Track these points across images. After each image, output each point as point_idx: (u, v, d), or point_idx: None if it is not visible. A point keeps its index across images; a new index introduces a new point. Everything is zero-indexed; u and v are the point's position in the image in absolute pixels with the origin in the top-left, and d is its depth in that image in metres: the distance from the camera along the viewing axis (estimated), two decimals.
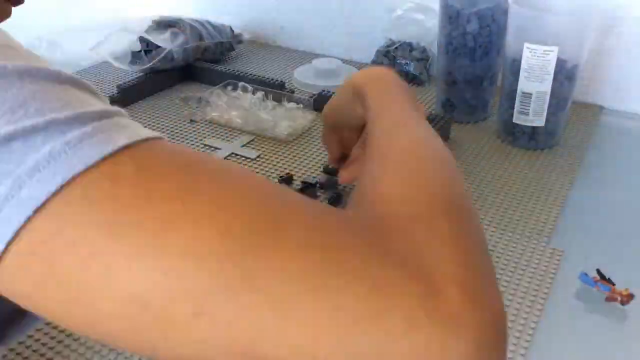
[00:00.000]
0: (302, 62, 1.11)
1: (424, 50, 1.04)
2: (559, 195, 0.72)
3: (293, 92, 0.96)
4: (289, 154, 0.81)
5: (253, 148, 0.83)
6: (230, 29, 1.14)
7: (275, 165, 0.78)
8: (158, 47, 1.01)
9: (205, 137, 0.85)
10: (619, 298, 0.55)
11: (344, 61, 1.07)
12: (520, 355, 0.50)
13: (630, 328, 0.54)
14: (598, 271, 0.57)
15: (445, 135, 0.84)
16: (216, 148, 0.83)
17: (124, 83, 0.97)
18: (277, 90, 0.93)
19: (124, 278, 0.25)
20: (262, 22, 1.24)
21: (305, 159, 0.79)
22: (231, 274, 0.25)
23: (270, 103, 0.91)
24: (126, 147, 0.26)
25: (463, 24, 0.83)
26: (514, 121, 0.82)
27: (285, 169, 0.77)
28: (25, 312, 0.36)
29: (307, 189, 0.71)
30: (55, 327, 0.52)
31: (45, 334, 0.52)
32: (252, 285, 0.25)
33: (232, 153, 0.81)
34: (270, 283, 0.25)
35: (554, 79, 0.77)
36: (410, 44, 1.04)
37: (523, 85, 0.78)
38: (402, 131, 0.43)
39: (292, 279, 0.25)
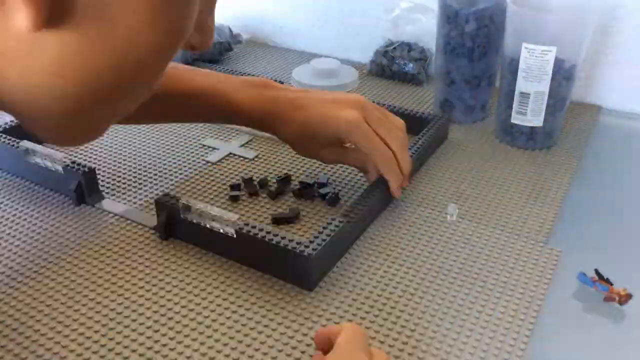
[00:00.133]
0: (300, 62, 1.11)
1: (422, 50, 1.04)
2: (557, 195, 0.72)
3: None
4: (287, 155, 0.81)
5: (251, 148, 0.83)
6: (229, 28, 1.14)
7: (273, 165, 0.78)
8: None
9: (203, 138, 0.85)
10: (617, 298, 0.55)
11: (343, 61, 1.07)
12: (517, 357, 0.50)
13: (629, 328, 0.54)
14: (596, 271, 0.57)
15: (443, 136, 0.84)
16: (214, 148, 0.82)
17: None
18: None
19: None
20: (261, 22, 1.24)
21: (303, 160, 0.79)
22: None
23: None
24: None
25: (461, 24, 0.83)
26: (512, 121, 0.82)
27: (284, 169, 0.77)
28: None
29: (305, 189, 0.71)
30: None
31: None
32: None
33: (230, 153, 0.81)
34: None
35: (552, 79, 0.77)
36: (408, 44, 1.04)
37: (521, 85, 0.79)
38: None
39: None
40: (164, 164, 0.79)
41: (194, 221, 0.61)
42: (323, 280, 0.58)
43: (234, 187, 0.72)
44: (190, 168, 0.78)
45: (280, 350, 0.50)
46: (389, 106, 0.84)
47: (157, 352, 0.50)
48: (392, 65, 1.05)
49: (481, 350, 0.50)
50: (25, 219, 0.67)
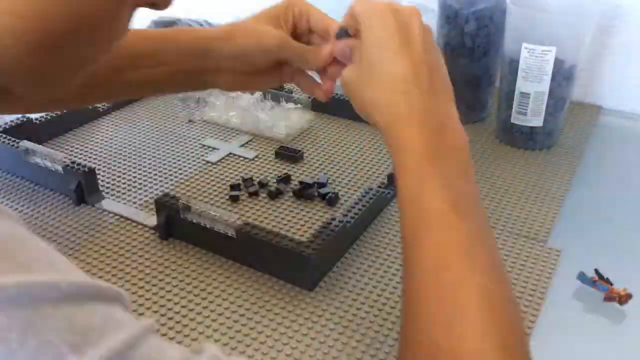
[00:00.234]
0: None
1: None
2: (557, 195, 0.72)
3: (291, 92, 0.96)
4: (287, 155, 0.80)
5: (251, 148, 0.83)
6: None
7: (273, 165, 0.78)
8: None
9: (203, 138, 0.85)
10: (617, 298, 0.55)
11: None
12: None
13: (629, 328, 0.54)
14: (596, 271, 0.57)
15: None
16: (214, 148, 0.82)
17: None
18: (275, 90, 0.93)
19: None
20: None
21: (303, 160, 0.79)
22: None
23: (268, 103, 0.91)
24: None
25: (461, 24, 0.83)
26: (512, 121, 0.82)
27: (283, 169, 0.77)
28: None
29: (305, 189, 0.71)
30: None
31: None
32: None
33: (230, 153, 0.81)
34: None
35: (552, 79, 0.77)
36: None
37: (521, 85, 0.78)
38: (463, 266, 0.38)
39: None
40: (164, 164, 0.79)
41: (194, 221, 0.61)
42: (323, 280, 0.58)
43: (234, 187, 0.72)
44: (190, 168, 0.78)
45: (279, 351, 0.50)
46: None
47: None
48: None
49: None
50: (25, 219, 0.67)
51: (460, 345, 0.34)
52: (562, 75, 0.77)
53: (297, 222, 0.67)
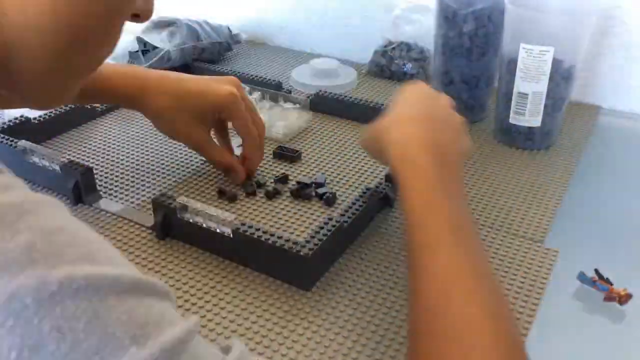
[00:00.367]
0: (299, 62, 1.11)
1: (421, 50, 1.04)
2: (555, 195, 0.72)
3: (290, 92, 0.96)
4: (285, 154, 0.80)
5: None
6: (228, 28, 1.14)
7: (271, 165, 0.78)
8: (155, 47, 1.01)
9: None
10: (617, 298, 0.54)
11: (342, 61, 1.07)
12: None
13: (629, 328, 0.54)
14: (596, 271, 0.57)
15: None
16: None
17: None
18: (274, 90, 0.93)
19: None
20: (260, 22, 1.24)
21: (301, 160, 0.79)
22: None
23: (267, 103, 0.90)
24: None
25: (460, 24, 0.83)
26: (510, 121, 0.81)
27: (281, 169, 0.77)
28: None
29: (303, 189, 0.71)
30: None
31: None
32: None
33: None
34: None
35: (551, 79, 0.77)
36: (408, 44, 1.04)
37: (519, 85, 0.78)
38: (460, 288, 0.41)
39: None
40: (162, 164, 0.79)
41: (191, 221, 0.61)
42: (320, 280, 0.58)
43: (223, 190, 0.72)
44: (187, 167, 0.78)
45: (275, 351, 0.50)
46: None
47: None
48: (391, 65, 1.05)
49: None
50: None
51: (469, 356, 0.37)
52: (561, 75, 0.77)
53: (295, 222, 0.67)
